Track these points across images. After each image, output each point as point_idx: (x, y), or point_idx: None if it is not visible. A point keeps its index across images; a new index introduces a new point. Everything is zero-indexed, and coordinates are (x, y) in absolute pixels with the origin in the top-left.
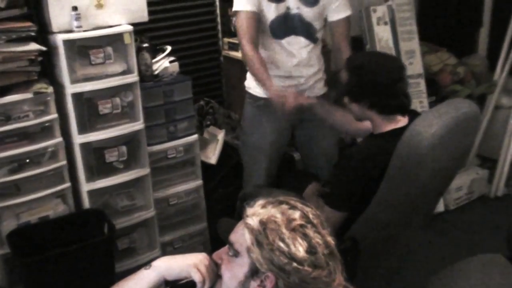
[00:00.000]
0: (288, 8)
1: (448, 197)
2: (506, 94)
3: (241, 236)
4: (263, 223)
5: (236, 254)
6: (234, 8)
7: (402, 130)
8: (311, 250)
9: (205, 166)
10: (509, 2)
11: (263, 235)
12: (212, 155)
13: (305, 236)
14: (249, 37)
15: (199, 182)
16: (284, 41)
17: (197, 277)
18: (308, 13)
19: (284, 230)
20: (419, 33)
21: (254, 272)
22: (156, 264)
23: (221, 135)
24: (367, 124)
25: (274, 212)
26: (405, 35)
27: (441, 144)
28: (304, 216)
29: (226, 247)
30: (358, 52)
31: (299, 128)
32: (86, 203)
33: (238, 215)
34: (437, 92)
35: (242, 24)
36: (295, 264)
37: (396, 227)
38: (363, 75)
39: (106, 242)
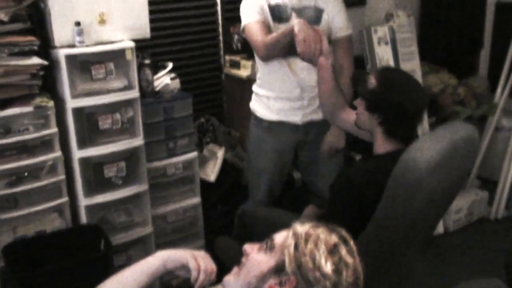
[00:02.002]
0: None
1: (447, 219)
2: (506, 115)
3: (283, 236)
4: (308, 234)
5: (271, 248)
6: (243, 23)
7: (399, 152)
8: (337, 270)
9: (204, 183)
10: (510, 24)
11: (303, 241)
12: (211, 173)
13: (339, 258)
14: (264, 34)
15: (197, 199)
16: (287, 61)
17: (192, 264)
18: None
19: (323, 246)
20: (419, 53)
21: (278, 270)
22: (158, 253)
23: (220, 153)
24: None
25: (321, 232)
26: (406, 55)
27: (437, 168)
28: (345, 242)
29: (261, 242)
30: (388, 68)
31: (302, 149)
32: (84, 218)
33: (236, 232)
34: (438, 112)
35: (253, 30)
36: (318, 275)
37: (394, 249)
38: (392, 93)
39: (103, 259)
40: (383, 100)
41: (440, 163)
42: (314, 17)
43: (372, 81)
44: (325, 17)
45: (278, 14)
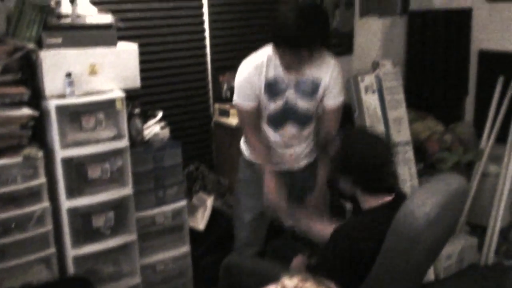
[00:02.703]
0: (286, 103)
1: (438, 266)
2: (493, 161)
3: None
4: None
5: None
6: (235, 102)
7: (389, 205)
8: None
9: (193, 232)
10: (493, 71)
11: None
12: (201, 221)
13: None
14: (253, 128)
15: (186, 248)
16: (279, 130)
17: None
18: (305, 105)
19: None
20: (406, 100)
21: None
22: None
23: (210, 201)
24: None
25: (310, 286)
26: (393, 103)
27: (435, 221)
28: None
29: None
30: (349, 130)
31: (291, 192)
32: (71, 269)
33: (221, 285)
34: (425, 159)
35: (244, 118)
36: None
37: None
38: (352, 153)
39: None
40: (346, 162)
41: (437, 216)
42: (310, 89)
43: (334, 148)
44: (321, 90)
45: (274, 89)
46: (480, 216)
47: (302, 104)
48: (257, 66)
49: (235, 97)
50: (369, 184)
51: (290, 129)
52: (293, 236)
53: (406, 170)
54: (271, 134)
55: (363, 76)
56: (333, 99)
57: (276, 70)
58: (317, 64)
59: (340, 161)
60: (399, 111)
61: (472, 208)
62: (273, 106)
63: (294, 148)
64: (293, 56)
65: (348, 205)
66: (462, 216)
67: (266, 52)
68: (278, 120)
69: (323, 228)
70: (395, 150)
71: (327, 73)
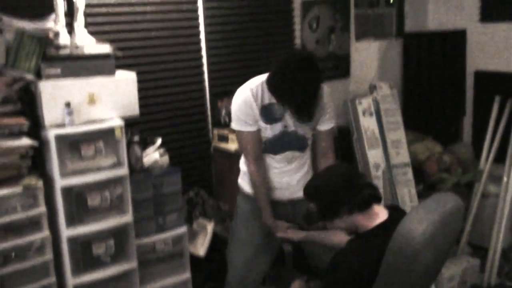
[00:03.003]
0: (285, 127)
1: (440, 287)
2: (492, 181)
3: None
4: None
5: None
6: (235, 128)
7: (386, 224)
8: None
9: (194, 258)
10: (489, 91)
11: None
12: (201, 247)
13: None
14: (254, 156)
15: (187, 275)
16: (277, 156)
17: None
18: (303, 129)
19: None
20: (404, 122)
21: None
22: None
23: (210, 227)
24: None
25: None
26: (391, 125)
27: (432, 240)
28: None
29: None
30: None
31: (293, 221)
32: None
33: None
34: (425, 180)
35: (245, 144)
36: None
37: None
38: (322, 194)
39: None
40: (327, 204)
41: (433, 234)
42: None
43: (310, 205)
44: (316, 115)
45: (270, 115)
46: (482, 237)
47: (301, 128)
48: (252, 90)
49: (234, 125)
50: (356, 202)
51: (289, 154)
52: (294, 263)
53: (406, 192)
54: (271, 161)
55: (360, 99)
56: (327, 124)
57: (272, 96)
58: None
59: (322, 209)
60: (397, 133)
61: (473, 229)
62: (271, 130)
63: (294, 175)
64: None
65: None
66: (464, 237)
67: (261, 79)
68: (277, 144)
69: (335, 233)
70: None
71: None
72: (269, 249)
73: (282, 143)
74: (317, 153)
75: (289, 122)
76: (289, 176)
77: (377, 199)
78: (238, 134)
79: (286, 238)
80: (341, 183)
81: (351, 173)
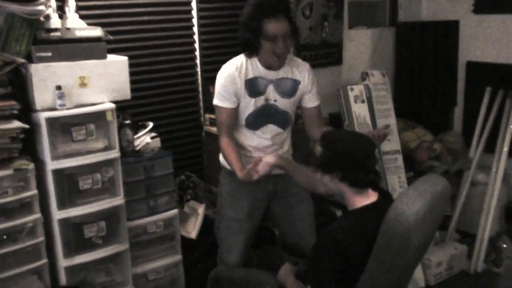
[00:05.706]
0: (266, 100)
1: (428, 273)
2: (481, 170)
3: None
4: None
5: None
6: (214, 103)
7: (375, 205)
8: None
9: (185, 240)
10: (480, 81)
11: None
12: (192, 230)
13: None
14: (227, 130)
15: (178, 257)
16: (258, 131)
17: None
18: (284, 103)
19: None
20: (395, 110)
21: None
22: None
23: (201, 210)
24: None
25: None
26: (382, 112)
27: (423, 220)
28: None
29: None
30: (329, 131)
31: (274, 199)
32: (63, 279)
33: None
34: (414, 167)
35: (221, 119)
36: None
37: None
38: (336, 147)
39: None
40: (332, 157)
41: (425, 215)
42: (291, 88)
43: (318, 148)
44: (300, 88)
45: (254, 88)
46: (470, 224)
47: (282, 102)
48: (237, 66)
49: (215, 100)
50: (355, 177)
51: (270, 128)
52: (284, 245)
53: (396, 179)
54: (250, 137)
55: (352, 86)
56: (313, 102)
57: (257, 70)
58: (294, 65)
59: (325, 159)
60: (389, 120)
61: (462, 216)
62: (253, 104)
63: (274, 152)
64: (274, 44)
65: (339, 213)
66: (452, 224)
67: (244, 56)
68: (259, 118)
69: (311, 178)
70: (377, 147)
71: (305, 75)
72: (253, 228)
73: (263, 116)
74: (313, 127)
75: (271, 95)
76: (269, 154)
77: (373, 185)
78: (216, 109)
79: (264, 170)
80: (355, 154)
81: (370, 152)
